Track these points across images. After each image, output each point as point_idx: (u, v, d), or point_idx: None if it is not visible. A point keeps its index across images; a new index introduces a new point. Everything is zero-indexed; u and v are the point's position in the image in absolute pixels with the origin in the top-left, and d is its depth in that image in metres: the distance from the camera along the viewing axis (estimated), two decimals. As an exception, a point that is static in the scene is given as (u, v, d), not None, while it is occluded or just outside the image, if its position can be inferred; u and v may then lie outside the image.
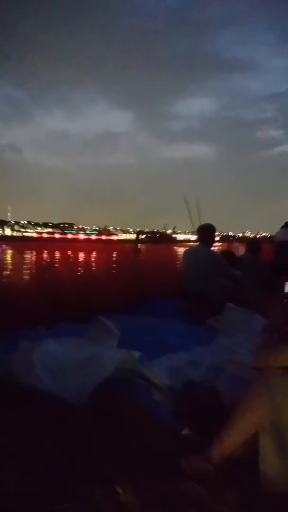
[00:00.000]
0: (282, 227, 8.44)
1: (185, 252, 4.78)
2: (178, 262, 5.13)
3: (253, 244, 5.91)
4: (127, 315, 3.77)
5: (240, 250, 7.63)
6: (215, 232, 4.79)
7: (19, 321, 3.45)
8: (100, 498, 1.40)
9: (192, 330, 3.40)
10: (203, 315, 3.70)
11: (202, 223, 5.15)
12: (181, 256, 4.85)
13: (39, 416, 1.92)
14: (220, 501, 1.52)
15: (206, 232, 4.61)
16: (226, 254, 5.23)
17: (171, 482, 1.59)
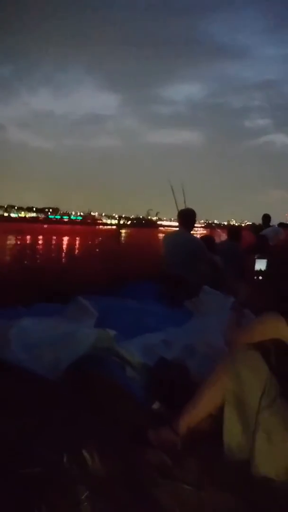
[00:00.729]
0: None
1: (165, 236, 4.84)
2: (159, 247, 5.17)
3: (233, 231, 6.05)
4: (106, 297, 3.82)
5: (222, 237, 7.75)
6: (195, 217, 4.86)
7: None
8: (68, 464, 1.46)
9: (168, 312, 3.47)
10: (181, 298, 3.78)
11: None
12: (162, 240, 4.92)
13: (12, 387, 1.97)
14: (183, 468, 1.59)
15: (186, 217, 4.69)
16: (206, 239, 5.31)
17: (138, 452, 1.66)
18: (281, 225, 10.57)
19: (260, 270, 2.23)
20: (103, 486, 1.42)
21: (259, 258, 2.32)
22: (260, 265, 2.29)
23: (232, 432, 1.78)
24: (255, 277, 2.25)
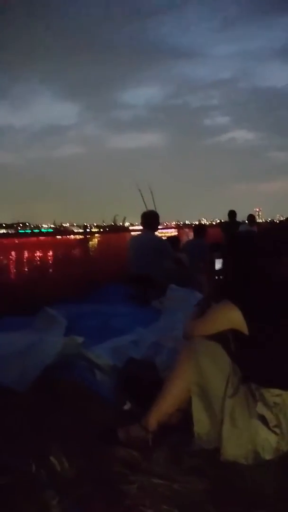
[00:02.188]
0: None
1: (130, 239, 4.90)
2: (125, 250, 5.22)
3: (198, 229, 6.19)
4: (74, 304, 3.82)
5: (190, 235, 7.87)
6: (158, 219, 4.94)
7: None
8: (36, 470, 1.46)
9: (136, 312, 3.51)
10: (149, 297, 3.82)
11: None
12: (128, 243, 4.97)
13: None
14: (153, 462, 1.62)
15: (148, 218, 4.77)
16: (171, 239, 5.42)
17: (108, 451, 1.67)
18: (250, 218, 10.71)
19: (220, 269, 2.27)
20: (73, 489, 1.43)
21: (218, 257, 2.36)
22: (219, 264, 2.33)
23: (201, 423, 1.81)
24: (216, 277, 2.29)
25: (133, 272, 4.48)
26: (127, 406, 2.16)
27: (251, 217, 10.59)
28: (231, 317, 1.86)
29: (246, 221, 10.65)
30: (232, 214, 9.47)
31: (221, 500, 1.45)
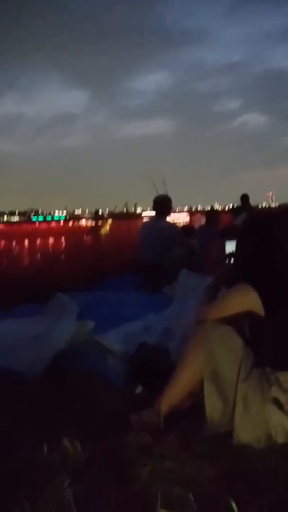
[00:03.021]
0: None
1: (141, 225, 4.86)
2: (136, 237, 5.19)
3: (210, 214, 6.10)
4: (85, 292, 3.83)
5: (202, 221, 7.79)
6: (170, 204, 4.88)
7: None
8: (48, 454, 1.48)
9: (147, 300, 3.50)
10: (159, 285, 3.81)
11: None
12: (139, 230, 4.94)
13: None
14: (165, 446, 1.62)
15: (159, 204, 4.70)
16: (184, 227, 5.38)
17: (120, 435, 1.68)
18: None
19: (231, 252, 2.24)
20: (85, 472, 1.44)
21: (228, 240, 2.33)
22: (230, 247, 2.30)
23: (213, 407, 1.81)
24: (227, 260, 2.26)
25: (143, 260, 4.46)
26: (138, 390, 2.17)
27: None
28: (248, 299, 1.84)
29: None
30: (244, 198, 9.29)
31: (233, 484, 1.45)
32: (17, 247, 5.39)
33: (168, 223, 4.88)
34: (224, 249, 2.45)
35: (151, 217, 4.95)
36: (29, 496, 1.31)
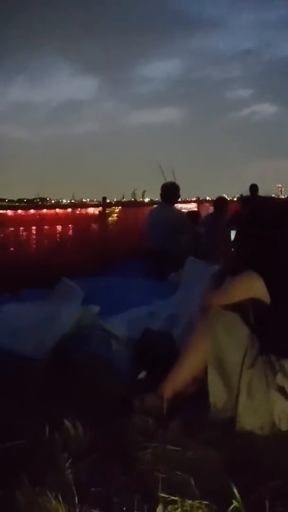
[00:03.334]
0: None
1: (149, 212, 4.84)
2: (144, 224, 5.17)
3: (218, 202, 6.05)
4: (91, 278, 3.83)
5: (210, 210, 7.74)
6: (178, 191, 4.84)
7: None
8: (50, 434, 1.48)
9: (153, 286, 3.49)
10: (166, 271, 3.80)
11: None
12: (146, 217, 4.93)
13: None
14: (168, 430, 1.62)
15: (167, 191, 4.67)
16: (190, 214, 5.35)
17: (123, 418, 1.68)
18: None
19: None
20: (87, 453, 1.44)
21: (234, 229, 2.31)
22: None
23: (217, 393, 1.80)
24: (233, 249, 2.24)
25: (150, 247, 4.45)
26: (142, 375, 2.17)
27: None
28: (253, 286, 1.83)
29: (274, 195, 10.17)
30: (253, 188, 9.19)
31: (236, 470, 1.44)
32: (24, 233, 5.38)
33: (175, 210, 4.86)
34: (230, 238, 2.43)
35: (158, 204, 4.92)
36: (30, 477, 1.31)
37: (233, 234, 2.33)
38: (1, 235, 4.64)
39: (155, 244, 4.36)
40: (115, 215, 6.35)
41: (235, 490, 1.22)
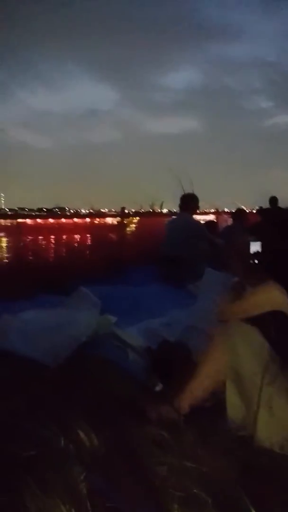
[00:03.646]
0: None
1: (167, 221, 4.86)
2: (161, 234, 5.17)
3: (237, 213, 6.03)
4: (107, 285, 3.83)
5: (229, 221, 7.71)
6: (197, 201, 4.85)
7: (1, 295, 3.52)
8: (64, 444, 1.45)
9: (171, 295, 3.47)
10: (183, 280, 3.77)
11: None
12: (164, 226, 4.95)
13: (10, 375, 1.97)
14: (183, 443, 1.57)
15: (185, 200, 4.70)
16: (208, 223, 5.33)
17: (137, 429, 1.64)
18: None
19: (256, 252, 2.18)
20: (102, 465, 1.41)
21: (254, 240, 2.27)
22: (255, 247, 2.24)
23: (235, 408, 1.75)
24: (251, 260, 2.20)
25: (168, 254, 4.45)
26: (158, 387, 2.13)
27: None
28: (274, 298, 1.78)
29: None
30: (273, 200, 9.12)
31: (254, 487, 1.39)
32: (43, 241, 5.47)
33: (193, 218, 4.86)
34: (249, 247, 2.38)
35: (176, 214, 4.94)
36: (43, 487, 1.28)
37: (252, 246, 2.27)
38: (21, 243, 4.70)
39: (173, 251, 4.37)
40: (133, 225, 6.37)
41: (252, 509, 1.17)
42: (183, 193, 5.00)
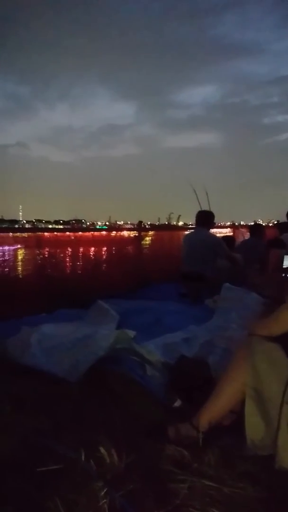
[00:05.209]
0: None
1: (184, 236, 4.87)
2: (179, 248, 5.18)
3: (254, 227, 5.99)
4: (126, 300, 3.84)
5: (246, 235, 7.65)
6: (213, 218, 4.87)
7: (21, 309, 3.57)
8: (86, 461, 1.46)
9: (189, 310, 3.46)
10: (202, 296, 3.76)
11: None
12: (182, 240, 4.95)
13: (32, 389, 2.00)
14: (203, 463, 1.57)
15: (203, 216, 4.71)
16: (226, 238, 5.30)
17: (157, 447, 1.64)
18: None
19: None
20: (122, 482, 1.42)
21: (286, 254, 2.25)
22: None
23: (255, 427, 1.73)
24: (283, 274, 2.19)
25: (186, 270, 4.44)
26: (177, 404, 2.12)
27: None
28: None
29: None
30: (290, 214, 9.03)
31: (275, 509, 1.37)
32: (61, 254, 5.52)
33: (212, 234, 4.86)
34: (282, 261, 2.37)
35: (193, 229, 4.95)
36: (65, 503, 1.30)
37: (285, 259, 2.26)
38: (40, 256, 4.76)
39: (192, 267, 4.35)
40: (149, 238, 6.40)
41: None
42: (199, 209, 5.02)
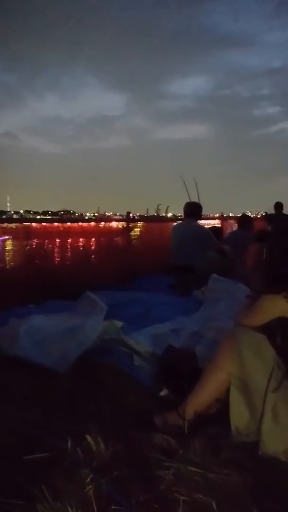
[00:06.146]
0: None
1: (173, 227, 4.88)
2: (168, 239, 5.19)
3: (242, 220, 6.02)
4: (114, 291, 3.85)
5: (234, 227, 7.70)
6: (200, 210, 4.89)
7: (10, 300, 3.55)
8: (72, 449, 1.48)
9: (177, 302, 3.48)
10: (190, 287, 3.79)
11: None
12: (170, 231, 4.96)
13: (19, 380, 2.00)
14: (189, 450, 1.59)
15: (191, 207, 4.72)
16: (213, 229, 5.33)
17: (144, 435, 1.67)
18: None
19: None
20: (108, 469, 1.44)
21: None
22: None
23: (239, 415, 1.77)
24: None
25: (175, 262, 4.45)
26: (163, 392, 2.15)
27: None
28: (280, 305, 1.79)
29: None
30: (278, 206, 9.13)
31: (260, 495, 1.40)
32: (49, 246, 5.50)
33: (201, 226, 4.88)
34: (263, 253, 2.39)
35: (182, 220, 4.96)
36: (51, 490, 1.31)
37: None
38: (27, 247, 4.73)
39: (181, 259, 4.37)
40: (138, 229, 6.40)
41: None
42: (187, 201, 5.04)
